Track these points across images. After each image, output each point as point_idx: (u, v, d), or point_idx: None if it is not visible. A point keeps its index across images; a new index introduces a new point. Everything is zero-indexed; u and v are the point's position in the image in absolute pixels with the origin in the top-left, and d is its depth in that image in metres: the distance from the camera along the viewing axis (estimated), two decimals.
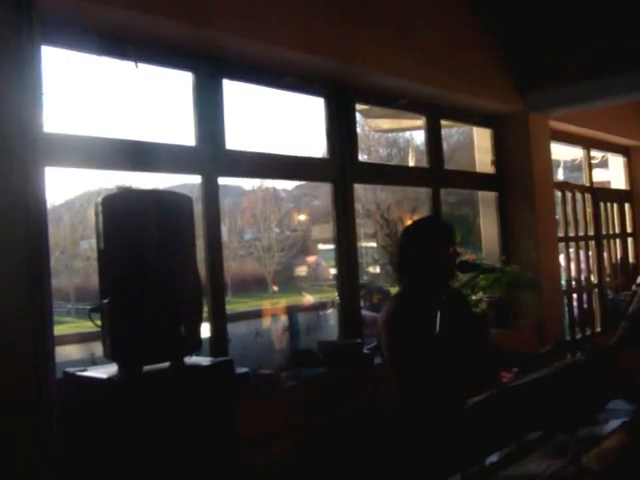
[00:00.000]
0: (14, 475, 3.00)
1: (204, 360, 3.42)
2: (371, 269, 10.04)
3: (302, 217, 15.57)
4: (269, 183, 14.16)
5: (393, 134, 13.25)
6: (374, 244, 9.47)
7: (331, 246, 5.32)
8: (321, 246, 13.60)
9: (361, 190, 11.59)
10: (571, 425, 2.98)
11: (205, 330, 3.83)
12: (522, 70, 6.36)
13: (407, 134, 12.74)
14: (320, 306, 6.43)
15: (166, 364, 3.15)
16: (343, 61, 4.76)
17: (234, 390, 3.41)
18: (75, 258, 10.66)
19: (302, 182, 12.00)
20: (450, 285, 3.67)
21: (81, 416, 3.16)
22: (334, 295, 5.32)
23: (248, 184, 14.70)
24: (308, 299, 6.57)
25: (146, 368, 3.08)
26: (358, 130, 5.44)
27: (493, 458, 3.08)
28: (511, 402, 2.98)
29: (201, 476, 3.14)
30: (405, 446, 3.59)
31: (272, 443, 3.99)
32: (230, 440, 3.31)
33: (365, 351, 4.90)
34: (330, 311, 5.72)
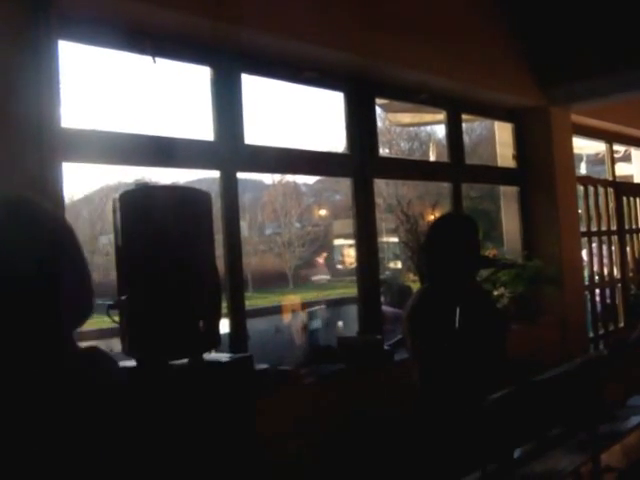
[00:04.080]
0: None
1: (223, 356, 3.40)
2: (392, 264, 10.02)
3: (323, 212, 15.56)
4: (290, 177, 14.17)
5: (414, 128, 13.21)
6: (396, 239, 9.44)
7: (352, 241, 5.30)
8: (342, 241, 13.58)
9: (382, 185, 11.59)
10: (591, 422, 2.95)
11: (224, 326, 3.81)
12: (543, 64, 6.29)
13: (429, 128, 12.70)
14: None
15: (185, 360, 3.14)
16: (363, 55, 4.72)
17: (253, 386, 3.39)
18: (94, 254, 10.70)
19: (322, 177, 12.02)
20: (474, 280, 3.66)
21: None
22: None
23: (268, 179, 14.71)
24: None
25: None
26: (379, 124, 5.42)
27: (514, 455, 3.06)
28: (531, 398, 2.96)
29: (219, 473, 3.13)
30: (425, 442, 3.57)
31: (291, 440, 3.97)
32: (249, 437, 3.29)
33: (385, 347, 4.86)
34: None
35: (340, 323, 5.69)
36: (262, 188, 14.99)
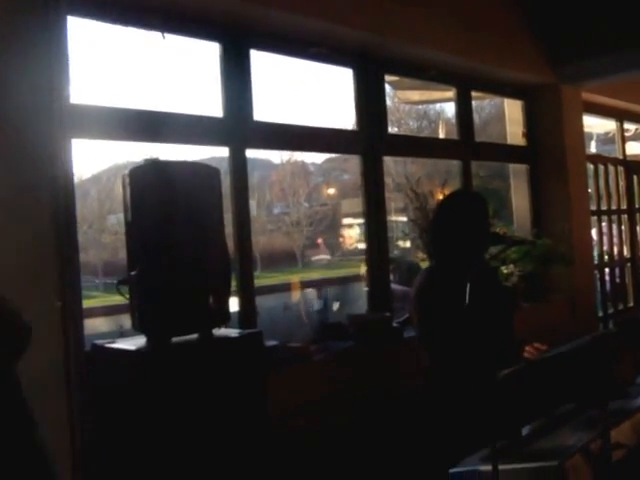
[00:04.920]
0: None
1: (233, 332, 3.41)
2: (401, 243, 9.99)
3: (331, 191, 15.53)
4: (298, 157, 14.14)
5: (423, 106, 13.15)
6: (404, 218, 9.41)
7: (360, 220, 5.29)
8: (351, 220, 13.57)
9: (391, 164, 11.55)
10: (601, 398, 2.94)
11: (234, 304, 3.81)
12: (554, 41, 6.24)
13: (437, 107, 12.66)
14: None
15: (194, 336, 3.14)
16: (372, 31, 4.69)
17: (263, 362, 3.40)
18: (103, 233, 10.71)
19: (331, 156, 11.99)
20: (482, 257, 3.64)
21: (110, 387, 3.17)
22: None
23: (277, 158, 14.66)
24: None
25: (174, 340, 3.07)
26: (388, 102, 5.38)
27: (523, 431, 3.06)
28: (541, 375, 2.95)
29: (229, 448, 3.14)
30: (435, 419, 3.57)
31: (301, 416, 3.98)
32: (258, 412, 3.30)
33: (394, 324, 4.87)
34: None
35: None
36: (270, 168, 14.95)
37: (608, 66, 6.16)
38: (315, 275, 11.99)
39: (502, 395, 2.76)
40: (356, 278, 6.35)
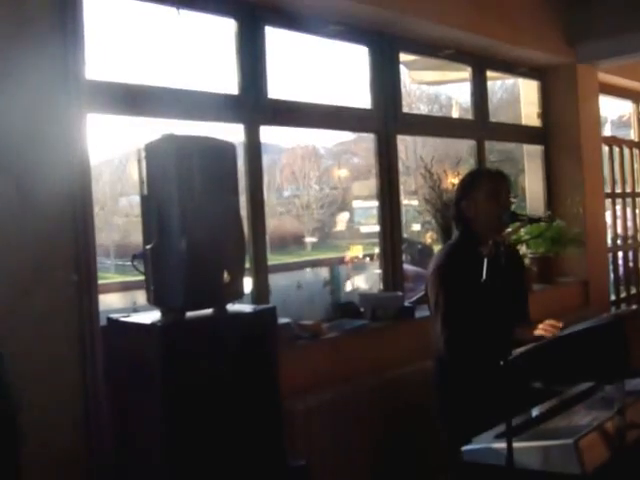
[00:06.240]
0: (63, 416, 3.04)
1: (247, 307, 3.41)
2: (412, 225, 10.00)
3: (342, 173, 15.52)
4: (308, 140, 14.12)
5: (435, 91, 13.07)
6: (415, 202, 9.40)
7: (370, 203, 5.29)
8: (361, 203, 13.58)
9: (401, 147, 11.52)
10: (618, 377, 2.93)
11: (247, 284, 3.81)
12: (571, 20, 6.20)
13: (450, 91, 12.59)
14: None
15: (209, 310, 3.14)
16: (388, 9, 4.66)
17: (276, 338, 3.40)
18: (114, 215, 10.74)
19: (342, 139, 11.95)
20: (501, 235, 3.63)
21: (124, 361, 3.17)
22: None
23: (287, 142, 14.67)
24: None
25: (189, 314, 3.07)
26: None
27: (538, 409, 3.05)
28: (557, 353, 2.95)
29: (240, 423, 3.14)
30: (449, 396, 3.56)
31: (312, 393, 3.98)
32: (271, 388, 3.30)
33: (407, 304, 4.87)
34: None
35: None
36: (280, 151, 14.94)
37: (625, 45, 6.10)
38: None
39: (517, 372, 2.75)
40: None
